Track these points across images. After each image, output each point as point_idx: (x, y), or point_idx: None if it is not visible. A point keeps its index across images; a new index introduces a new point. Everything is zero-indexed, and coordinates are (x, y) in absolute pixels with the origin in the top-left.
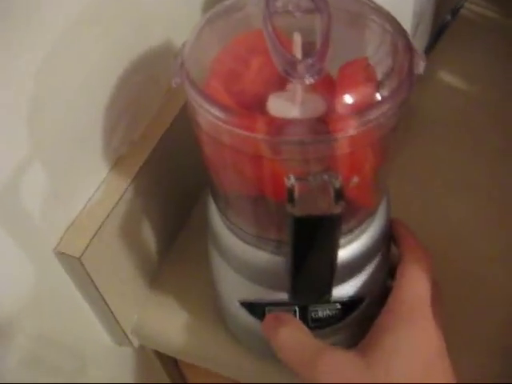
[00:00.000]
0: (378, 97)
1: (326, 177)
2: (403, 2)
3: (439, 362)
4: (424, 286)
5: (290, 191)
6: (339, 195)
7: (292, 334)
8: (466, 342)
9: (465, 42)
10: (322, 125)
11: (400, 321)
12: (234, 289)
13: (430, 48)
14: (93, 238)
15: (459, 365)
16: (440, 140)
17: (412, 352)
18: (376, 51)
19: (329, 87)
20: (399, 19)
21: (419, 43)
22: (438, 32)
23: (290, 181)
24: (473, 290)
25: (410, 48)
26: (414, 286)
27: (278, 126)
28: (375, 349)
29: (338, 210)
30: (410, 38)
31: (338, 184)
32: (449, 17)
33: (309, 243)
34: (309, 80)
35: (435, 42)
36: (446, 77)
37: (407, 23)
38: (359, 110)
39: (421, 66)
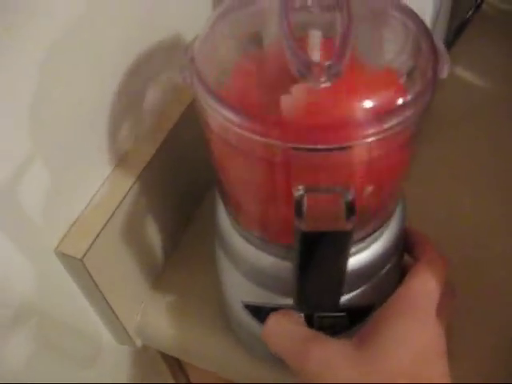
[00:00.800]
0: (400, 101)
1: (337, 189)
2: None
3: (434, 360)
4: (434, 287)
5: (298, 204)
6: (351, 210)
7: (281, 321)
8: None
9: (484, 39)
10: (339, 131)
11: (401, 315)
12: (239, 291)
13: (449, 44)
14: (95, 238)
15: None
16: (457, 138)
17: (404, 343)
18: (398, 52)
19: (347, 89)
20: (418, 14)
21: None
22: (459, 28)
23: (299, 192)
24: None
25: (434, 49)
26: (424, 285)
27: (291, 131)
28: (370, 340)
29: (349, 226)
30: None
31: (349, 197)
32: (470, 12)
33: (316, 259)
34: (325, 83)
35: (456, 38)
36: (464, 73)
37: (426, 18)
38: (379, 115)
39: (445, 70)
